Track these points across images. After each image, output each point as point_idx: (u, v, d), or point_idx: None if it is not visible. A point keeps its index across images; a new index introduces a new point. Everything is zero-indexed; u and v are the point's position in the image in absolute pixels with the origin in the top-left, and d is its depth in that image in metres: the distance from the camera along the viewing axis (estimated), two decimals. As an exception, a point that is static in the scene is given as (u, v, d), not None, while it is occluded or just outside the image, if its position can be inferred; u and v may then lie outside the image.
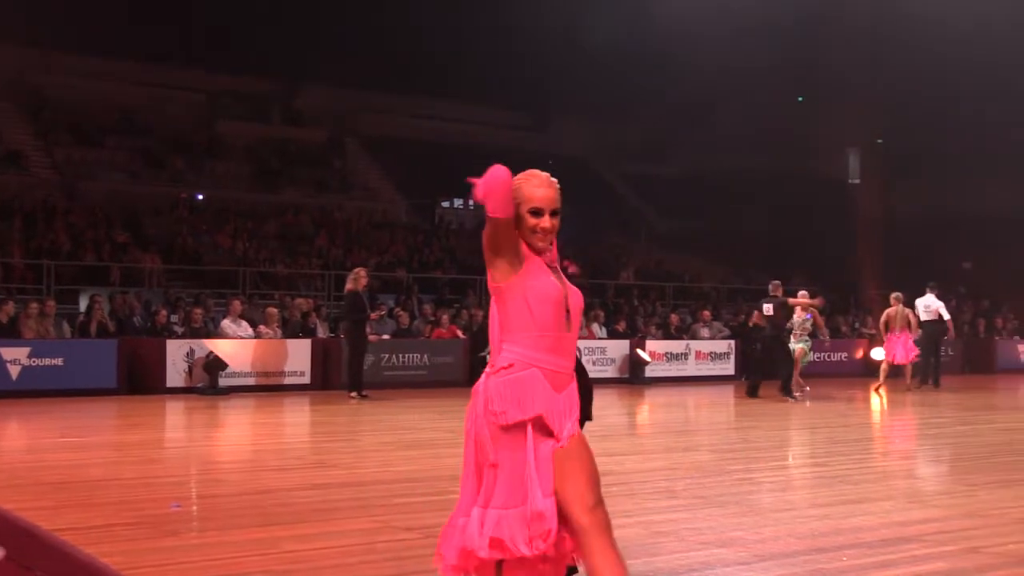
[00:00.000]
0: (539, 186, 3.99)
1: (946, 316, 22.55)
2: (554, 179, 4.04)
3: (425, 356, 20.99)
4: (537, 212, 3.96)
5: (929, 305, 22.16)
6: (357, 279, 18.17)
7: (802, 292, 20.00)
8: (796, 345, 19.28)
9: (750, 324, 21.58)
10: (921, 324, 21.85)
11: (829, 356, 25.27)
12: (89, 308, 19.39)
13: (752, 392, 19.08)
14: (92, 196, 27.88)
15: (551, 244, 4.02)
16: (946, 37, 31.97)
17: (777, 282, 19.58)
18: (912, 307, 21.64)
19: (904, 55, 33.59)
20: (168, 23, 31.73)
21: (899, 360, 20.79)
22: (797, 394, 18.72)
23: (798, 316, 19.33)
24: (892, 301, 21.00)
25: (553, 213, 3.98)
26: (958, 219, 35.43)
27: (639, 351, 22.61)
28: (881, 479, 10.09)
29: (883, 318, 21.06)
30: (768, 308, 19.10)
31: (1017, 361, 28.93)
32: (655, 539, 6.93)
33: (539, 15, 31.96)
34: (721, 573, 6.15)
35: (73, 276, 23.05)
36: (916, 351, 20.98)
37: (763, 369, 19.68)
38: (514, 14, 32.86)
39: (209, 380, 18.27)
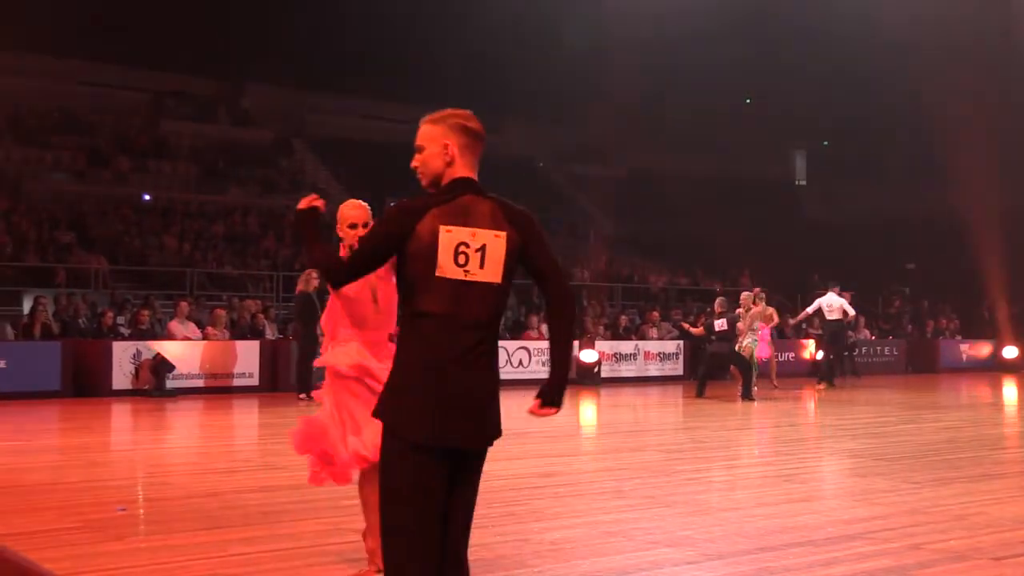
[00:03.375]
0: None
1: (851, 312, 22.83)
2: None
3: (374, 357, 20.86)
4: (352, 226, 6.03)
5: (832, 304, 22.35)
6: (308, 280, 18.03)
7: (744, 294, 20.20)
8: (744, 342, 19.38)
9: (692, 330, 21.90)
10: (824, 323, 22.43)
11: (776, 356, 25.49)
12: (32, 310, 19.13)
13: (700, 391, 19.21)
14: (36, 196, 27.51)
15: None
16: (891, 42, 32.37)
17: (722, 298, 19.94)
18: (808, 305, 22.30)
19: (850, 59, 33.96)
20: (113, 21, 31.35)
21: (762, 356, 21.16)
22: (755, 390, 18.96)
23: (745, 317, 19.53)
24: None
25: (364, 225, 5.96)
26: (902, 221, 35.88)
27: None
28: (827, 478, 10.21)
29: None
30: (721, 323, 19.28)
31: (959, 361, 29.34)
32: (604, 539, 6.97)
33: (487, 16, 31.94)
34: (670, 572, 6.20)
35: (16, 277, 22.74)
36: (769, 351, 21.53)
37: (710, 369, 19.86)
38: (462, 15, 32.82)
39: (156, 382, 18.10)
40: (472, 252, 3.81)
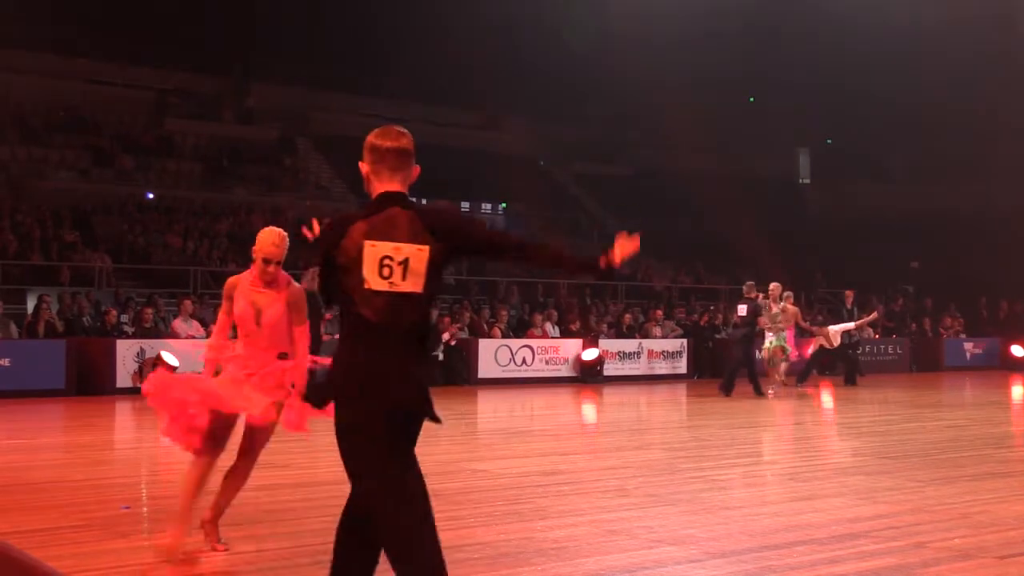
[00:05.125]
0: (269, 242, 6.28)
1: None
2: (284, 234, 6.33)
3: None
4: (267, 261, 6.29)
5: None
6: (312, 279, 18.01)
7: (773, 284, 19.87)
8: (771, 340, 19.31)
9: (705, 323, 21.78)
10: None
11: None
12: (36, 308, 19.14)
13: (727, 390, 19.07)
14: (40, 195, 27.53)
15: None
16: (895, 40, 32.35)
17: (751, 283, 19.64)
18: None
19: (852, 57, 33.94)
20: (117, 20, 31.39)
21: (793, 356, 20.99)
22: (769, 392, 18.85)
23: (773, 309, 19.37)
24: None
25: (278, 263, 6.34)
26: (906, 219, 35.84)
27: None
28: (831, 476, 10.19)
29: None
30: (742, 309, 19.21)
31: (963, 359, 29.29)
32: (608, 537, 6.96)
33: (491, 15, 31.95)
34: (673, 571, 6.19)
35: (20, 276, 22.76)
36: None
37: (735, 365, 19.69)
38: (466, 13, 32.84)
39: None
40: (395, 265, 4.10)
